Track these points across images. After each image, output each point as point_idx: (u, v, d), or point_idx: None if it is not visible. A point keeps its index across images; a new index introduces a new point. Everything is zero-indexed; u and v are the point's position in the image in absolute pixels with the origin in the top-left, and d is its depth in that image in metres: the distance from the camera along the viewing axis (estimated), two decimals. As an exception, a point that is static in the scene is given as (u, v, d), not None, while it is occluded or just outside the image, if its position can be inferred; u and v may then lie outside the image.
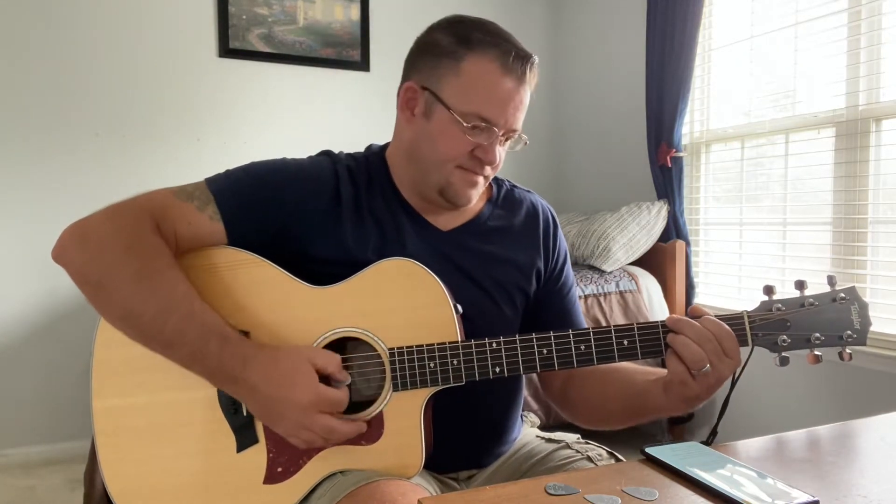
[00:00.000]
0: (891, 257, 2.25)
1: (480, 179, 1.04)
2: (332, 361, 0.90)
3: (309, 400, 0.87)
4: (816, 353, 0.92)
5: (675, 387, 0.91)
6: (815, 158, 2.47)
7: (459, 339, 0.94)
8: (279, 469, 0.93)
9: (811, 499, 0.67)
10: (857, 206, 2.30)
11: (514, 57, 0.98)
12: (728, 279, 2.86)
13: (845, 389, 2.30)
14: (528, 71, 1.00)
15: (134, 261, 0.89)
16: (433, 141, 1.01)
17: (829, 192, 2.40)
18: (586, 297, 2.67)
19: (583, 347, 0.93)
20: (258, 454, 0.93)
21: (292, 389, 0.87)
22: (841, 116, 2.34)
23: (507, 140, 1.04)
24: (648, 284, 2.82)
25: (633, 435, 2.93)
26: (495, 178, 1.17)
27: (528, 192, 1.20)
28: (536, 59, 1.01)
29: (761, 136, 2.68)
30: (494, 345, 0.93)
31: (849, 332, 0.91)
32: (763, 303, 0.93)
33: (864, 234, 2.30)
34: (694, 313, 0.92)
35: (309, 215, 1.01)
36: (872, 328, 0.94)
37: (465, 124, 0.98)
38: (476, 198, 1.07)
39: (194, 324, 0.89)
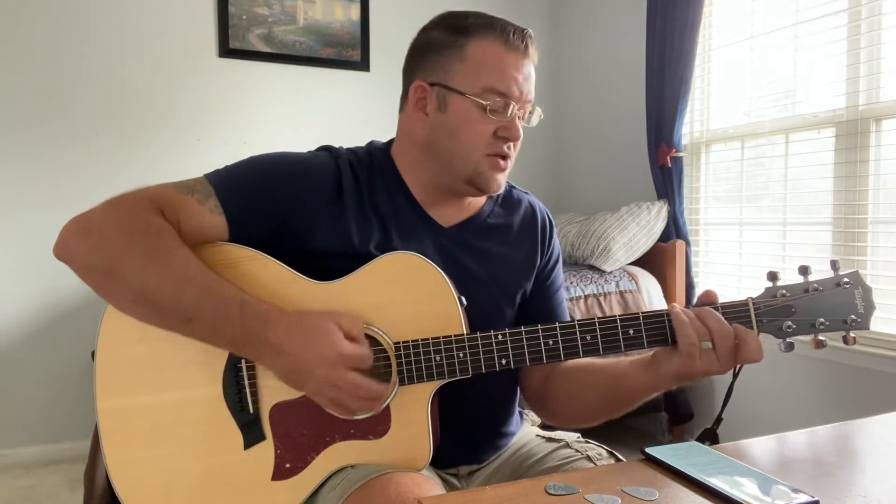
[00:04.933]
0: (891, 257, 2.25)
1: (509, 163, 1.06)
2: (357, 325, 0.90)
3: (336, 353, 0.86)
4: (820, 337, 0.92)
5: (676, 359, 0.90)
6: (815, 158, 2.47)
7: (465, 332, 0.94)
8: (287, 465, 0.93)
9: (811, 499, 0.67)
10: (857, 206, 2.30)
11: (513, 33, 1.01)
12: (728, 279, 2.86)
13: (845, 389, 2.30)
14: (529, 44, 1.02)
15: (141, 241, 0.89)
16: (454, 133, 1.02)
17: (829, 192, 2.40)
18: (586, 297, 2.67)
19: (588, 337, 0.93)
20: (266, 451, 0.93)
21: (317, 346, 0.86)
22: (841, 116, 2.34)
23: (522, 116, 1.05)
24: (648, 284, 2.82)
25: (633, 435, 2.94)
26: None
27: (527, 193, 1.20)
28: (532, 32, 1.04)
29: (761, 136, 2.68)
30: (500, 337, 0.93)
31: (853, 316, 0.92)
32: (767, 289, 0.93)
33: (864, 234, 2.30)
34: (705, 300, 0.93)
35: (310, 209, 1.01)
36: (872, 328, 0.94)
37: (484, 103, 0.99)
38: (504, 183, 1.09)
39: (212, 294, 0.88)
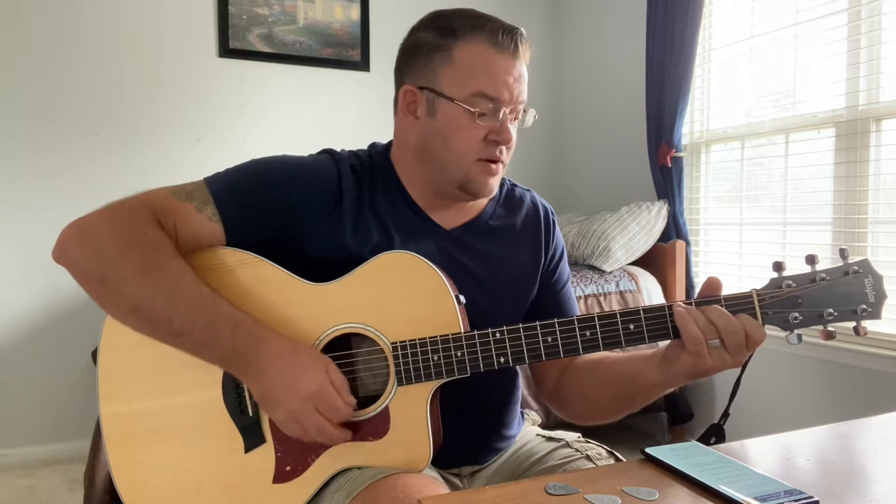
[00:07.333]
0: (891, 257, 2.25)
1: (500, 167, 1.04)
2: (345, 386, 0.90)
3: (313, 391, 0.87)
4: (830, 329, 0.89)
5: (685, 357, 0.88)
6: (815, 158, 2.47)
7: (462, 331, 0.93)
8: (287, 468, 0.93)
9: (811, 499, 0.67)
10: (857, 206, 2.30)
11: (502, 33, 0.99)
12: (728, 279, 2.85)
13: (845, 389, 2.30)
14: (519, 44, 1.00)
15: (136, 253, 0.89)
16: (444, 138, 1.01)
17: (829, 192, 2.40)
18: (586, 297, 2.67)
19: (588, 334, 0.91)
20: (266, 454, 0.93)
21: (298, 378, 0.87)
22: (841, 116, 2.34)
23: (515, 117, 1.03)
24: (648, 284, 2.82)
25: (633, 435, 2.94)
26: None
27: (528, 190, 1.20)
28: (524, 31, 1.01)
29: (761, 136, 2.68)
30: (498, 334, 0.92)
31: (863, 305, 0.88)
32: (773, 280, 0.91)
33: (864, 234, 2.30)
34: (708, 290, 0.91)
35: (310, 214, 1.00)
36: (873, 328, 0.92)
37: (472, 109, 0.98)
38: (497, 186, 1.07)
39: (204, 309, 0.88)
